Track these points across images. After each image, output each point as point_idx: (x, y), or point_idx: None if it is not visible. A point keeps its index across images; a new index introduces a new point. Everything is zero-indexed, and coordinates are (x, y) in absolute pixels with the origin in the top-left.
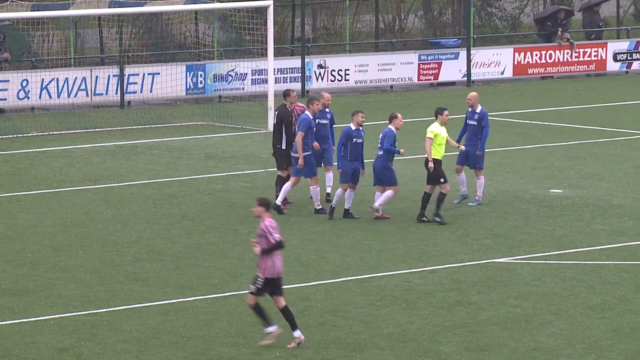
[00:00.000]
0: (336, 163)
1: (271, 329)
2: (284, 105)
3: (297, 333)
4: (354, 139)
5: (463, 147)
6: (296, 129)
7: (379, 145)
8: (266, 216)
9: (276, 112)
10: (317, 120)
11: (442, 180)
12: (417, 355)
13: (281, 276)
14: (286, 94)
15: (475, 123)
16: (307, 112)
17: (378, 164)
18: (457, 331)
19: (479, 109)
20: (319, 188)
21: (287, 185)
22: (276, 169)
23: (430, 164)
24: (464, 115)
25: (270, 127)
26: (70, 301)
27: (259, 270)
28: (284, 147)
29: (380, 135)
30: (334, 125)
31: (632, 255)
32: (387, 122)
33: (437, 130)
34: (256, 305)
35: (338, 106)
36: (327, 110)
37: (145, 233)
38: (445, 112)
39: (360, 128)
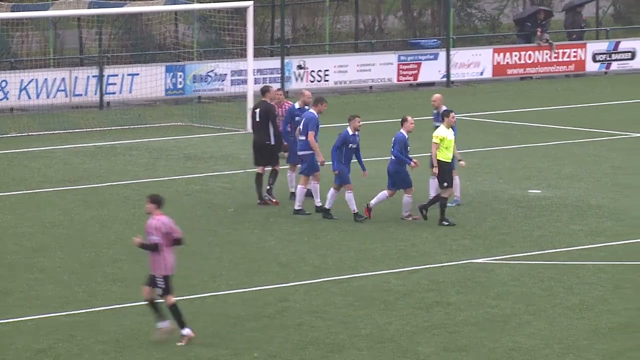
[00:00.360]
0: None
1: (162, 324)
2: (265, 102)
3: (185, 331)
4: (350, 144)
5: (464, 163)
6: (282, 124)
7: (392, 149)
8: (157, 213)
9: (258, 109)
10: (296, 118)
11: (445, 184)
12: (396, 356)
13: (171, 273)
14: (265, 90)
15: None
16: (312, 110)
17: (391, 167)
18: (436, 332)
19: (442, 109)
20: (305, 190)
21: (301, 188)
22: (255, 165)
23: (435, 169)
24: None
25: (250, 128)
26: (49, 302)
27: (153, 270)
28: (273, 142)
29: (393, 139)
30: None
31: (611, 255)
32: (400, 125)
33: (443, 135)
34: (150, 300)
35: None
36: (307, 107)
37: (124, 234)
38: (452, 114)
39: (357, 133)
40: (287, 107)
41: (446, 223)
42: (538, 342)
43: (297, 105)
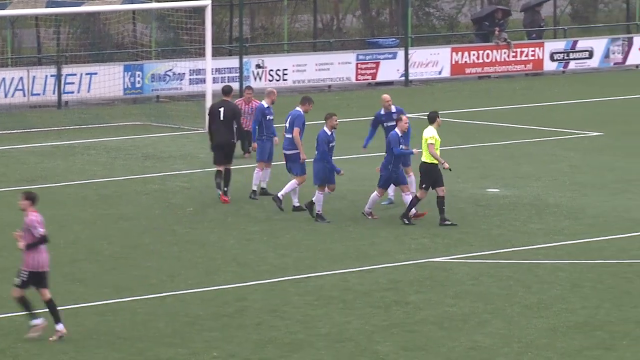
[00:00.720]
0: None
1: (36, 321)
2: (229, 101)
3: (59, 326)
4: (330, 143)
5: (447, 165)
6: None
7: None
8: (31, 210)
9: (222, 109)
10: (267, 117)
11: (423, 185)
12: (355, 355)
13: (46, 269)
14: (227, 90)
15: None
16: (299, 108)
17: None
18: (395, 331)
19: (394, 108)
20: (298, 186)
21: (293, 183)
22: (215, 164)
23: (446, 164)
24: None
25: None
26: (7, 302)
27: (23, 264)
28: (235, 140)
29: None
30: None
31: (568, 254)
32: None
33: (437, 136)
34: (22, 298)
35: (276, 106)
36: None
37: (82, 234)
38: (438, 118)
39: (334, 131)
40: (255, 106)
41: (448, 222)
42: (497, 341)
43: (265, 104)
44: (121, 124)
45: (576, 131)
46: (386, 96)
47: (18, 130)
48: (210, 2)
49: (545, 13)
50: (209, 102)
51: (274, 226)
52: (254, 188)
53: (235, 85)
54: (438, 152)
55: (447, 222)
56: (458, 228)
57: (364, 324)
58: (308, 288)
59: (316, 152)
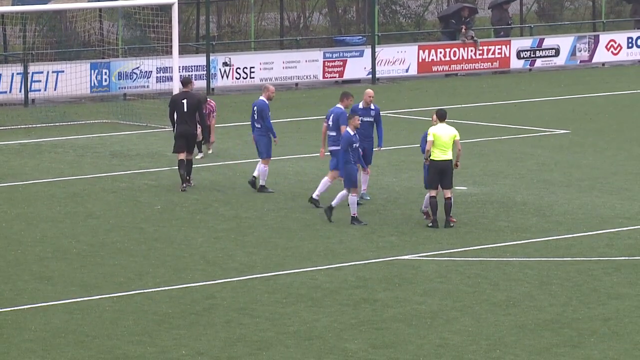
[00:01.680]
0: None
1: None
2: (191, 92)
3: None
4: (354, 144)
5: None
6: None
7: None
8: None
9: (185, 100)
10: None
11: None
12: (323, 353)
13: None
14: (187, 81)
15: (372, 119)
16: (339, 105)
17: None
18: (363, 328)
19: (373, 105)
20: (329, 183)
21: (326, 180)
22: (176, 152)
23: (426, 161)
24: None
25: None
26: None
27: None
28: (197, 131)
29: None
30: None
31: (536, 252)
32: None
33: (435, 131)
34: None
35: (243, 104)
36: (371, 107)
37: (50, 232)
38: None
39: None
40: (209, 109)
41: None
42: (465, 338)
43: (266, 100)
44: (88, 122)
45: (543, 129)
46: (370, 91)
47: None
48: (176, 0)
49: (512, 11)
50: None
51: (242, 224)
52: (262, 183)
53: (202, 83)
54: (448, 149)
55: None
56: (426, 226)
57: (333, 322)
58: (277, 286)
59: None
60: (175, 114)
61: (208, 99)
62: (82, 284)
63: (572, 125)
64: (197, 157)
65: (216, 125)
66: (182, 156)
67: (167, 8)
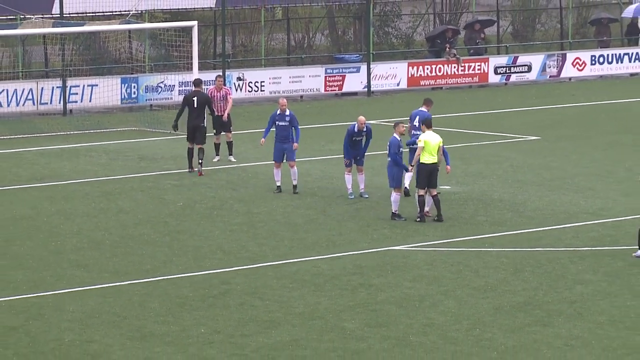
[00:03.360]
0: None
1: None
2: (201, 92)
3: None
4: (400, 148)
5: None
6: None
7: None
8: None
9: (195, 98)
10: (277, 122)
11: (418, 185)
12: (325, 331)
13: None
14: (198, 82)
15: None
16: (422, 108)
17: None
18: (359, 310)
19: (364, 127)
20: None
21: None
22: (189, 141)
23: (411, 168)
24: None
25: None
26: (19, 285)
27: None
28: (205, 124)
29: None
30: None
31: (511, 243)
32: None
33: (426, 138)
34: None
35: (255, 113)
36: (286, 113)
37: (85, 225)
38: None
39: (402, 137)
40: (225, 92)
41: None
42: (449, 318)
43: (278, 112)
44: (119, 129)
45: (517, 135)
46: (362, 118)
47: (28, 135)
48: (196, 23)
49: (490, 32)
50: None
51: (253, 219)
52: (279, 184)
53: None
54: (432, 155)
55: (419, 220)
56: (414, 220)
57: (333, 304)
58: (284, 273)
59: (388, 157)
60: (186, 108)
61: (225, 87)
62: (113, 270)
63: (542, 132)
64: (213, 160)
65: (232, 132)
66: (191, 145)
67: (188, 29)
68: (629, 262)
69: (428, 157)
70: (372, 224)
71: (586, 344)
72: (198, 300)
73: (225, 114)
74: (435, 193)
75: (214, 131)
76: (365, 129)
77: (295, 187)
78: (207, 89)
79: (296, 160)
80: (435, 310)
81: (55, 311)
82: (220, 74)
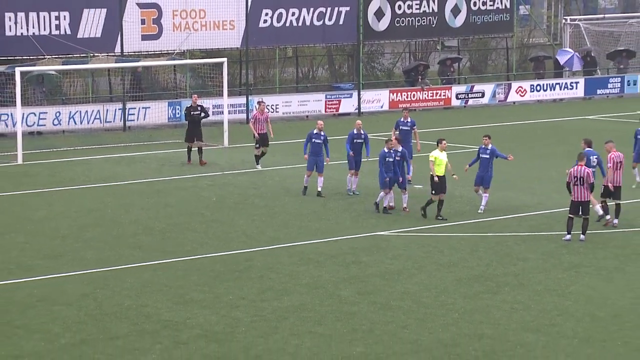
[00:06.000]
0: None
1: None
2: (201, 106)
3: None
4: (387, 159)
5: (456, 177)
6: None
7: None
8: None
9: (197, 108)
10: (312, 139)
11: (433, 191)
12: (325, 298)
13: None
14: (196, 95)
15: (362, 141)
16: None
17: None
18: (352, 281)
19: (362, 131)
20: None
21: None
22: (186, 141)
23: (436, 179)
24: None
25: (227, 144)
26: (89, 262)
27: None
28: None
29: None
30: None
31: (469, 229)
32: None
33: (435, 155)
34: None
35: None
36: (321, 133)
37: (140, 216)
38: (444, 142)
39: (392, 151)
40: (267, 115)
41: (424, 213)
42: (421, 288)
43: (315, 131)
44: (167, 141)
45: (474, 146)
46: (359, 122)
47: (96, 146)
48: (225, 59)
49: (455, 66)
50: (226, 127)
51: (270, 211)
52: (319, 189)
53: (242, 116)
54: (442, 167)
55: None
56: (394, 211)
57: (331, 277)
58: (294, 252)
59: (379, 167)
60: (187, 116)
61: (266, 111)
62: (162, 250)
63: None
64: (257, 167)
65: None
66: (190, 145)
67: (220, 64)
68: (560, 244)
69: (438, 170)
70: (362, 215)
71: (526, 307)
72: (227, 273)
73: (272, 133)
74: (443, 198)
75: (256, 145)
76: (362, 133)
77: (319, 192)
78: (251, 112)
79: (296, 165)
80: (410, 281)
81: (117, 282)
82: (262, 100)
